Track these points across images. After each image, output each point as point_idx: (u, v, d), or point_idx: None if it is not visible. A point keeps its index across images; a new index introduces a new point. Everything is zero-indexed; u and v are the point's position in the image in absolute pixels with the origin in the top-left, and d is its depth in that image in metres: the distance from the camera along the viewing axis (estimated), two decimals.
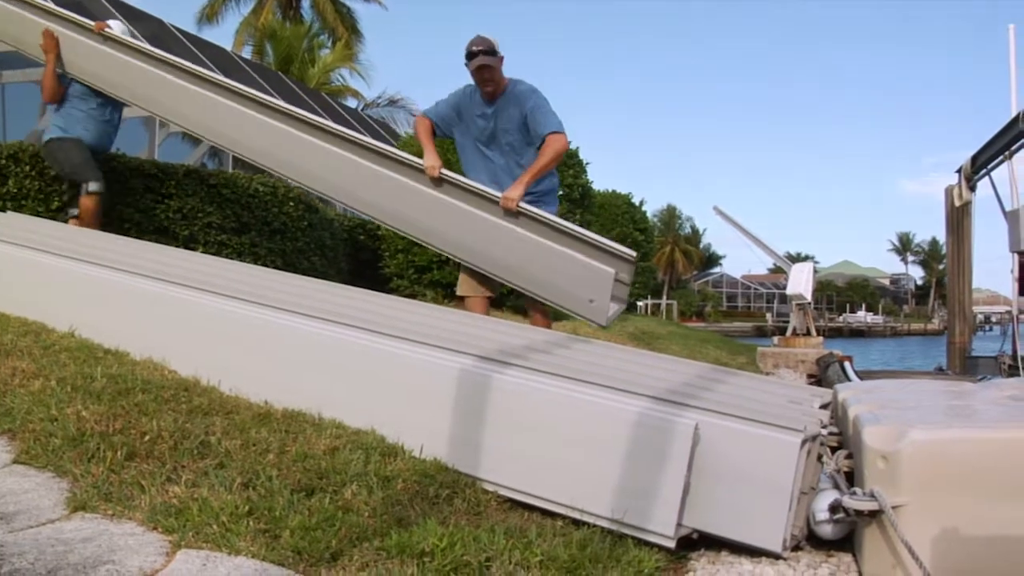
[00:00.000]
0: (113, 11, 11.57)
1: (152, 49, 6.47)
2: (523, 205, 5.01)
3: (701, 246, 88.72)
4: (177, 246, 7.38)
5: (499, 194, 5.06)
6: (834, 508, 2.92)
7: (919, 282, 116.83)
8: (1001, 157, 12.14)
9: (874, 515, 2.77)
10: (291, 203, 9.63)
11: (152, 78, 6.36)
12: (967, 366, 13.72)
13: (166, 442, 3.09)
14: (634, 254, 5.02)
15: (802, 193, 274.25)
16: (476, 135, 5.38)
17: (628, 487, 2.97)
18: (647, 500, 2.93)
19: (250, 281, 4.65)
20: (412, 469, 3.16)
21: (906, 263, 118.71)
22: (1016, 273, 11.89)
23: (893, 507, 2.70)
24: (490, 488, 3.22)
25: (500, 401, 3.29)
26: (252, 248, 9.00)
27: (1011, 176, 11.95)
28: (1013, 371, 11.44)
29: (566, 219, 5.33)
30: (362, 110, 26.57)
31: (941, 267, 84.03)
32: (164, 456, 3.00)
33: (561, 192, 8.72)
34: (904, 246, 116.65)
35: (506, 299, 9.17)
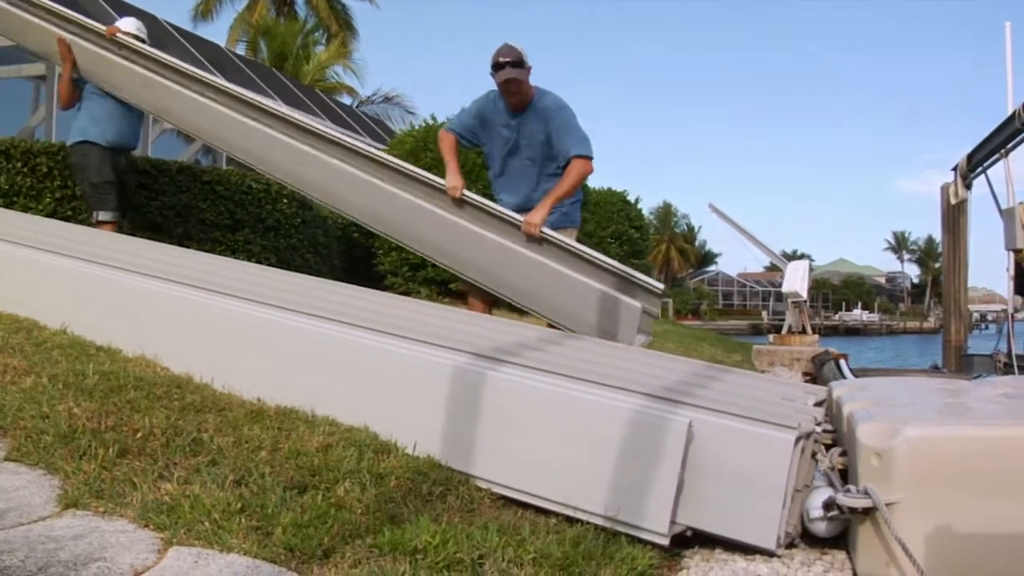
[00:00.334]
0: (110, 10, 11.54)
1: (166, 58, 6.35)
2: (547, 231, 4.88)
3: (697, 244, 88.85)
4: (171, 243, 7.36)
5: (521, 218, 4.91)
6: (828, 505, 2.92)
7: (915, 280, 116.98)
8: (997, 155, 12.15)
9: (868, 512, 2.76)
10: (285, 200, 9.62)
11: (167, 90, 6.27)
12: (963, 364, 13.75)
13: (158, 439, 3.08)
14: (661, 286, 4.91)
15: (798, 191, 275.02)
16: (500, 144, 5.23)
17: (622, 484, 2.96)
18: (641, 497, 2.92)
19: (244, 278, 4.64)
20: (405, 466, 3.15)
21: (902, 261, 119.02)
22: (1012, 271, 11.91)
23: (887, 504, 2.70)
24: (483, 485, 3.21)
25: (494, 398, 3.28)
26: (246, 245, 9.00)
27: (1007, 174, 11.97)
28: (1008, 369, 11.45)
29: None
30: (357, 107, 26.54)
31: (937, 265, 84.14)
32: (156, 453, 2.99)
33: None
34: (900, 244, 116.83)
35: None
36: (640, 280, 4.81)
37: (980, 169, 13.06)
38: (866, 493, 2.75)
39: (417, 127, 12.18)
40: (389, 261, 10.66)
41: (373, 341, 3.62)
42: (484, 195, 5.28)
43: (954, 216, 14.44)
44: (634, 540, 2.89)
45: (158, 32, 12.16)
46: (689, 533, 2.98)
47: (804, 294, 14.71)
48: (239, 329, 3.96)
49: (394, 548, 2.51)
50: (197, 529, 2.47)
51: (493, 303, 5.42)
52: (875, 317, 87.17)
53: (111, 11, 11.51)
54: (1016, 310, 12.40)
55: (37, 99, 11.28)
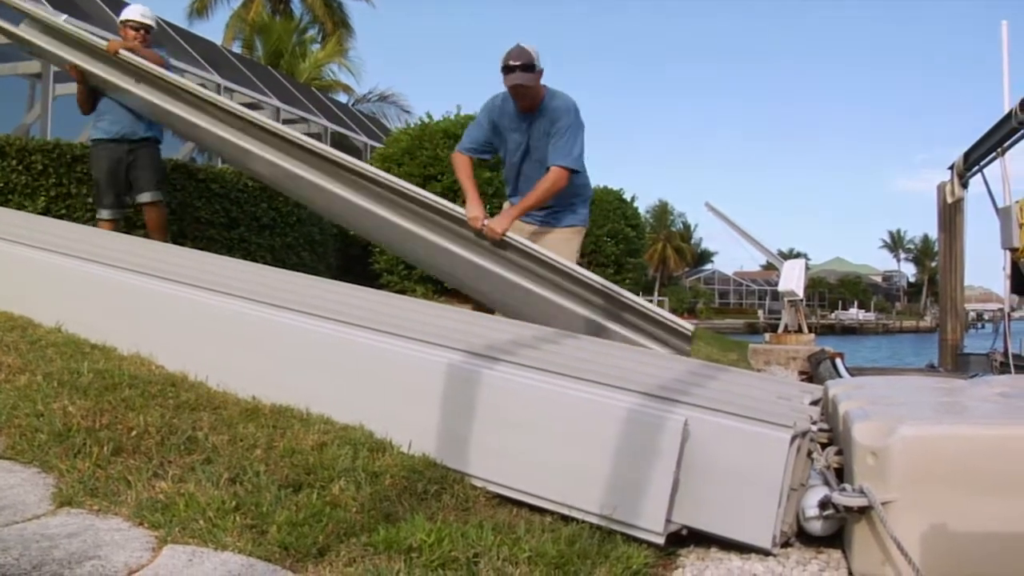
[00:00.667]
0: (106, 8, 11.51)
1: (166, 75, 6.26)
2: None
3: (693, 242, 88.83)
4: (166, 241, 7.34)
5: (549, 253, 4.79)
6: (824, 504, 2.92)
7: (911, 279, 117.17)
8: (994, 154, 12.16)
9: (863, 511, 2.76)
10: (280, 198, 9.60)
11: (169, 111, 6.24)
12: (959, 363, 13.76)
13: (153, 437, 3.08)
14: (691, 328, 4.76)
15: (794, 190, 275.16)
16: (512, 149, 5.11)
17: (617, 483, 2.96)
18: (636, 496, 2.92)
19: (239, 276, 4.63)
20: (400, 465, 3.15)
21: (898, 260, 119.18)
22: (1008, 270, 11.92)
23: (882, 503, 2.70)
24: (479, 484, 3.21)
25: (489, 397, 3.28)
26: (241, 243, 8.99)
27: (1004, 173, 11.98)
28: (1005, 368, 11.46)
29: None
30: (353, 105, 26.49)
31: (933, 264, 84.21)
32: (151, 451, 2.98)
33: None
34: (896, 243, 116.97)
35: None
36: (670, 321, 4.66)
37: (976, 168, 13.07)
38: (862, 492, 2.75)
39: (412, 125, 12.17)
40: (385, 259, 10.65)
41: (369, 340, 3.62)
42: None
43: (950, 215, 14.45)
44: (629, 539, 2.89)
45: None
46: (685, 532, 2.97)
47: (800, 293, 14.73)
48: (234, 327, 3.95)
49: (389, 547, 2.51)
50: (191, 527, 2.46)
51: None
52: (871, 316, 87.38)
53: (108, 10, 11.48)
54: (1012, 309, 12.41)
55: (32, 97, 11.25)
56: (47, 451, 2.90)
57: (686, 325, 4.71)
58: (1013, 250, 10.96)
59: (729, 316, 74.05)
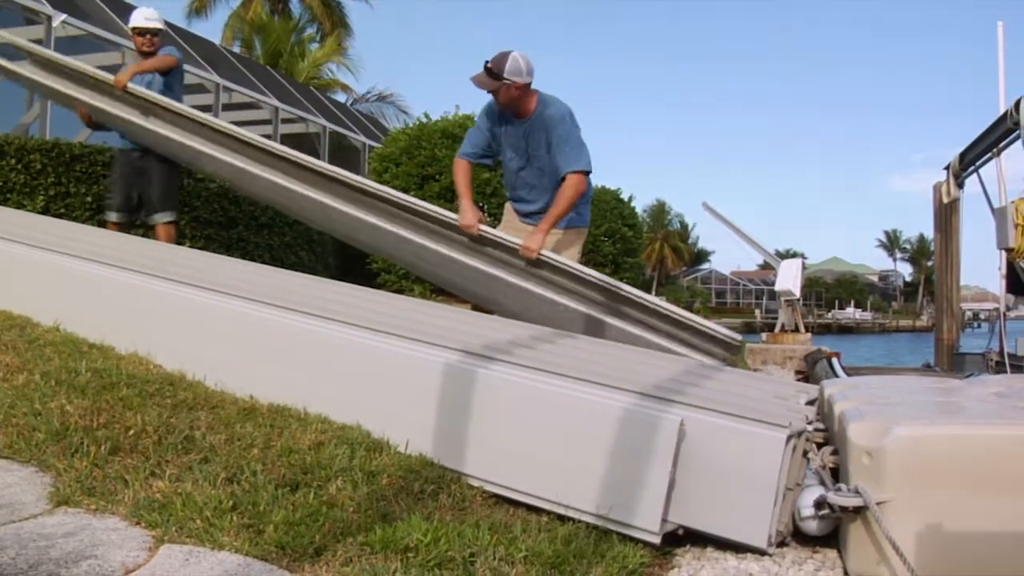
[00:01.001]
0: (106, 8, 11.51)
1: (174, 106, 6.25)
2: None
3: (690, 242, 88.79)
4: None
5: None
6: (819, 504, 2.92)
7: (908, 279, 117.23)
8: (989, 154, 12.17)
9: (859, 511, 2.77)
10: None
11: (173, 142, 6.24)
12: (955, 363, 13.76)
13: (150, 437, 3.08)
14: (740, 338, 4.67)
15: (791, 189, 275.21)
16: (510, 153, 5.10)
17: (613, 483, 2.96)
18: (632, 496, 2.92)
19: (237, 275, 4.64)
20: (397, 464, 3.15)
21: (895, 260, 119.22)
22: (1004, 270, 11.93)
23: (878, 503, 2.70)
24: (475, 483, 3.21)
25: (485, 396, 3.28)
26: (240, 243, 8.99)
27: (999, 173, 11.99)
28: (1000, 368, 11.47)
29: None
30: (351, 104, 26.47)
31: (930, 264, 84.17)
32: (148, 451, 2.98)
33: None
34: (892, 243, 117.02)
35: None
36: (717, 332, 4.57)
37: (972, 168, 13.08)
38: (857, 492, 2.76)
39: (411, 125, 12.17)
40: (382, 259, 10.64)
41: (366, 339, 3.62)
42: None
43: (946, 215, 14.45)
44: (625, 538, 2.90)
45: None
46: (680, 531, 2.98)
47: (797, 292, 14.74)
48: (232, 326, 3.95)
49: (385, 546, 2.52)
50: (188, 527, 2.47)
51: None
52: (868, 315, 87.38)
53: (107, 10, 11.49)
54: (1008, 309, 12.42)
55: (31, 96, 11.24)
56: (44, 450, 2.91)
57: (733, 336, 4.60)
58: (1009, 250, 10.96)
59: (726, 315, 73.79)
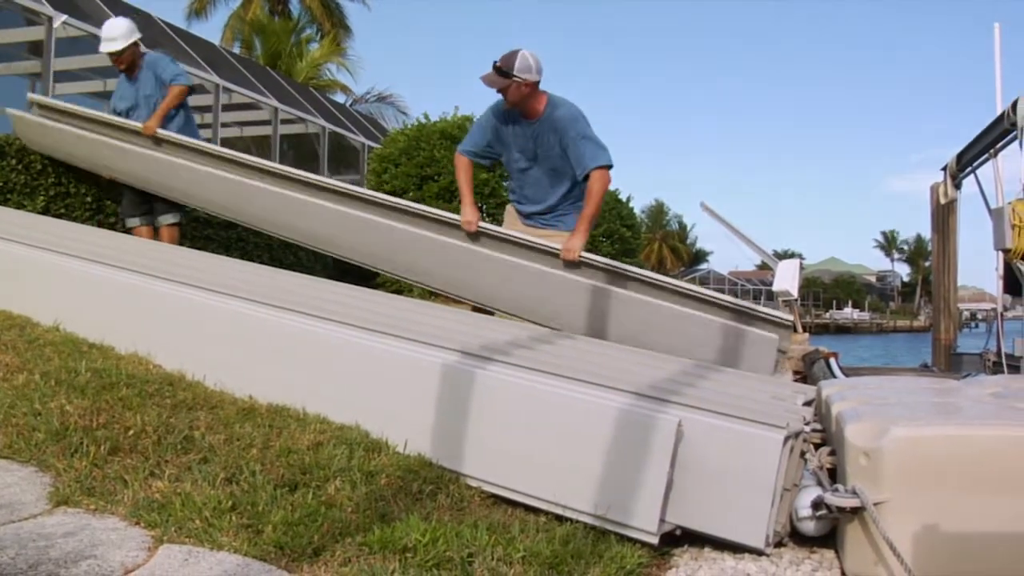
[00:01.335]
0: (106, 9, 11.50)
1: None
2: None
3: (688, 242, 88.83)
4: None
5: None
6: (816, 505, 2.93)
7: (905, 279, 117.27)
8: (986, 155, 12.16)
9: (856, 512, 2.77)
10: None
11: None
12: (952, 363, 13.74)
13: (150, 437, 3.09)
14: (791, 319, 4.65)
15: (789, 190, 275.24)
16: (516, 154, 5.07)
17: (611, 483, 2.97)
18: (630, 496, 2.93)
19: (236, 276, 4.64)
20: (396, 464, 3.16)
21: (892, 260, 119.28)
22: (1001, 271, 11.92)
23: (875, 504, 2.71)
24: (474, 484, 3.22)
25: (484, 397, 3.29)
26: (239, 242, 8.97)
27: (996, 174, 11.97)
28: (998, 368, 11.46)
29: None
30: (351, 105, 26.46)
31: (927, 264, 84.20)
32: (147, 451, 2.99)
33: None
34: (889, 243, 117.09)
35: None
36: (768, 315, 4.58)
37: (969, 169, 13.07)
38: (854, 492, 2.76)
39: (410, 126, 12.16)
40: None
41: (365, 339, 3.63)
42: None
43: (943, 216, 14.44)
44: (623, 539, 2.90)
45: (152, 31, 12.12)
46: (678, 532, 2.99)
47: (795, 293, 14.70)
48: (231, 327, 3.96)
49: (384, 546, 2.52)
50: (188, 527, 2.48)
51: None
52: (865, 316, 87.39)
53: (108, 10, 11.47)
54: (1005, 309, 12.41)
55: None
56: (44, 450, 2.92)
57: (787, 317, 4.63)
58: (1006, 251, 10.95)
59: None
